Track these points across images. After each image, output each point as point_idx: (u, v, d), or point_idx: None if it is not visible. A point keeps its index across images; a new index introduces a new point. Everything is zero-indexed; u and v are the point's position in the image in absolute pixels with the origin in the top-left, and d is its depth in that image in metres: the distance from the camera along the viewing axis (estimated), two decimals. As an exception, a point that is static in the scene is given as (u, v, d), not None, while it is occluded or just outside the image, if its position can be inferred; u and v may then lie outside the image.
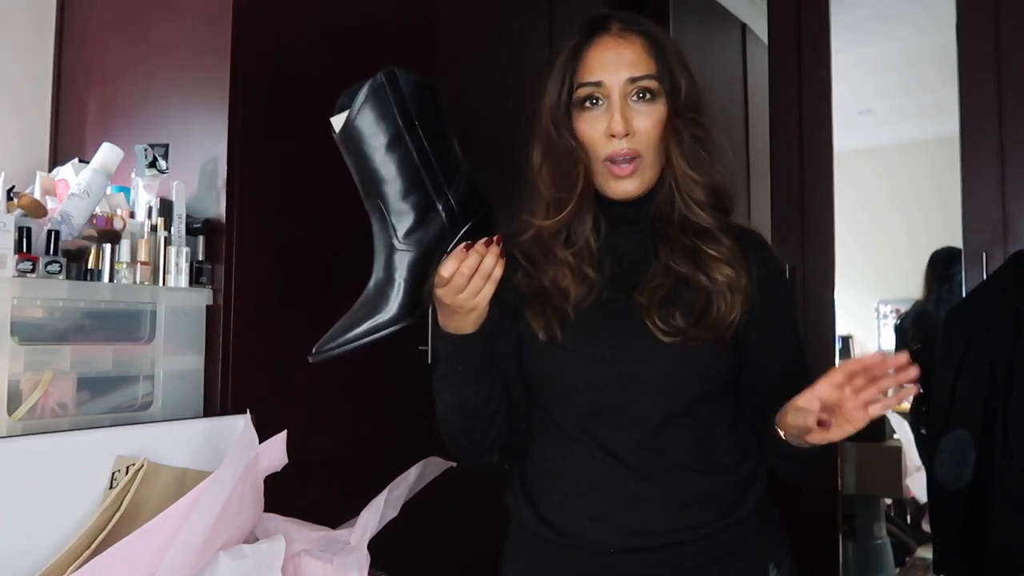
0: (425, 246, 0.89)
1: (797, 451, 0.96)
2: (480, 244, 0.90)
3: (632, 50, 1.00)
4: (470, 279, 0.89)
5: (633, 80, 0.99)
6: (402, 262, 0.89)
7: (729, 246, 1.01)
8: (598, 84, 1.00)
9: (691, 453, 1.01)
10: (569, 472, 1.03)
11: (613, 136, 0.99)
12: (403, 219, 0.89)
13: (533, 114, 1.06)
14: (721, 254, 1.00)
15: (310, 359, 0.90)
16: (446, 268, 0.89)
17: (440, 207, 0.90)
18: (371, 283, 0.91)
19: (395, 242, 0.89)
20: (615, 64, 1.00)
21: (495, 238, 0.91)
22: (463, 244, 0.90)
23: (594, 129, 1.00)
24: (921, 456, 3.28)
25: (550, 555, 1.04)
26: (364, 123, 0.88)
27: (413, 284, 0.89)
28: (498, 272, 0.91)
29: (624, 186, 1.01)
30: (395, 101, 0.89)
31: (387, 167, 0.88)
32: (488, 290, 0.91)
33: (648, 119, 1.00)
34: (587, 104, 1.01)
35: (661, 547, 0.99)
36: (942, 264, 3.27)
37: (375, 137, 0.88)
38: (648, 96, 1.00)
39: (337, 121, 0.90)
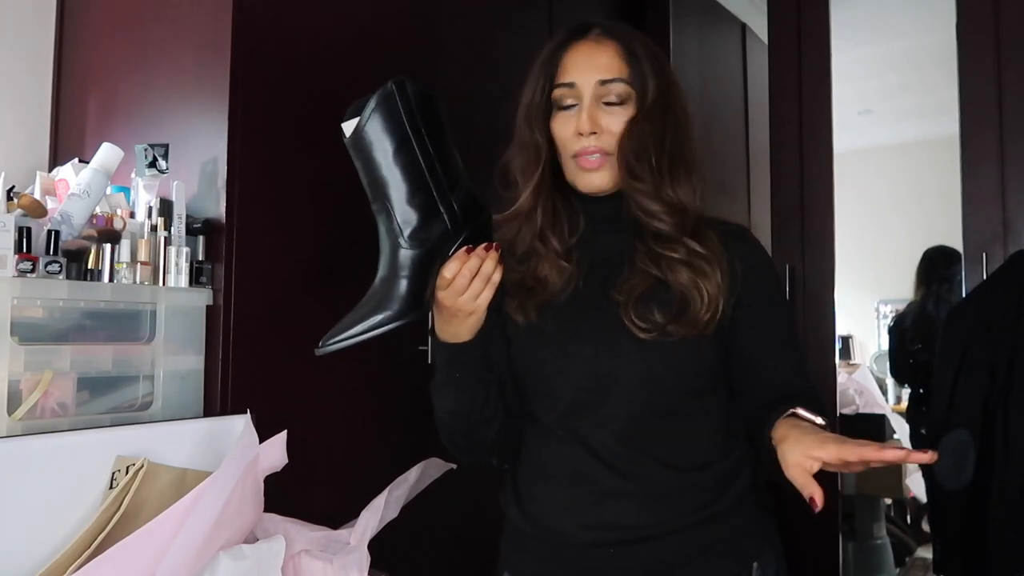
0: (429, 246, 0.92)
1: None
2: (480, 248, 0.93)
3: (605, 54, 1.04)
4: (471, 281, 0.92)
5: (603, 83, 1.03)
6: (406, 259, 0.92)
7: (688, 248, 1.02)
8: (571, 85, 1.04)
9: (671, 450, 1.02)
10: (550, 468, 1.05)
11: (581, 135, 1.02)
12: (408, 220, 0.92)
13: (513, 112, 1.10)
14: (679, 254, 1.02)
15: (316, 352, 0.93)
16: (449, 269, 0.92)
17: (443, 211, 0.93)
18: (377, 279, 0.94)
19: (400, 241, 0.92)
20: (587, 67, 1.04)
21: (495, 244, 0.95)
22: (465, 247, 0.93)
23: (565, 129, 1.04)
24: (920, 456, 3.27)
25: (534, 550, 1.07)
26: (373, 129, 0.91)
27: (417, 280, 0.92)
28: (497, 277, 0.94)
29: (592, 179, 1.04)
30: (404, 109, 0.92)
31: (394, 171, 0.92)
32: (487, 294, 0.94)
33: (617, 121, 1.03)
34: (562, 106, 1.05)
35: (636, 542, 1.01)
36: (942, 264, 3.27)
37: (383, 142, 0.91)
38: (618, 100, 1.03)
39: (348, 127, 0.94)
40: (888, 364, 3.52)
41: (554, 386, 1.04)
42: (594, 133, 1.02)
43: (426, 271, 0.92)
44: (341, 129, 0.94)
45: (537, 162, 1.06)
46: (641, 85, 1.03)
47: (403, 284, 0.91)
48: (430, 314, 0.99)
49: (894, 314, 4.48)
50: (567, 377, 1.03)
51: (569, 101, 1.04)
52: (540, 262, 1.06)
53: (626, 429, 1.01)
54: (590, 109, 1.02)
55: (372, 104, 0.91)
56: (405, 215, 0.92)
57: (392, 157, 0.91)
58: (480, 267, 0.93)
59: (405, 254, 0.92)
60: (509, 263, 1.04)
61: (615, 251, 1.07)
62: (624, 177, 1.03)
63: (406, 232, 0.92)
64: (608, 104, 1.03)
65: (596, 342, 1.02)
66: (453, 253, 0.93)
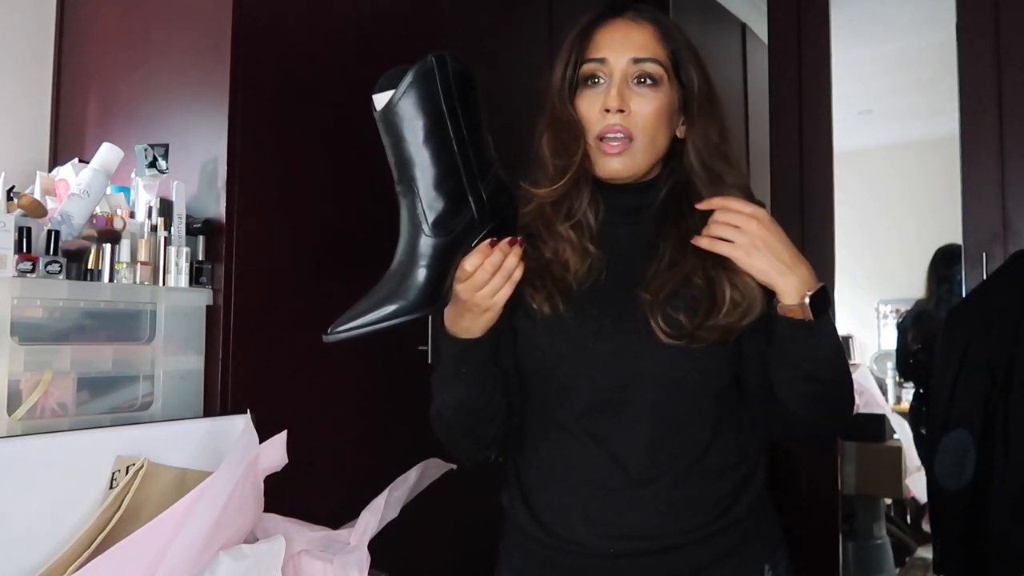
0: (453, 236, 0.88)
1: (782, 326, 0.93)
2: (504, 242, 0.89)
3: (642, 33, 1.01)
4: (492, 276, 0.88)
5: (636, 61, 0.99)
6: (427, 248, 0.87)
7: None
8: (602, 61, 1.00)
9: (690, 455, 1.00)
10: (565, 472, 1.02)
11: (607, 111, 0.99)
12: (434, 206, 0.87)
13: (542, 90, 1.06)
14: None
15: (324, 339, 0.88)
16: (470, 262, 0.88)
17: (472, 199, 0.89)
18: (394, 264, 0.89)
19: (423, 227, 0.87)
20: (621, 44, 1.00)
21: (519, 239, 0.90)
22: (488, 240, 0.89)
23: (591, 106, 1.00)
24: (920, 456, 3.29)
25: (543, 556, 1.03)
26: (407, 105, 0.86)
27: (437, 271, 0.87)
28: (518, 274, 0.90)
29: (612, 164, 1.00)
30: (442, 86, 0.87)
31: (424, 152, 0.87)
32: (506, 291, 0.89)
33: (647, 104, 0.99)
34: (589, 82, 1.01)
35: (654, 552, 0.98)
36: (943, 264, 3.26)
37: (416, 120, 0.86)
38: (650, 81, 1.00)
39: (379, 100, 0.88)
40: (894, 361, 3.53)
41: (573, 383, 1.00)
42: (621, 111, 0.98)
43: (447, 262, 0.88)
44: (372, 101, 0.89)
45: (578, 138, 1.00)
46: (679, 72, 1.01)
47: (421, 273, 0.87)
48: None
49: (895, 313, 4.48)
50: (587, 374, 0.99)
51: (597, 77, 1.00)
52: (564, 247, 1.01)
53: (650, 432, 0.98)
54: (620, 86, 0.98)
55: (409, 78, 0.85)
56: (431, 201, 0.87)
57: (423, 137, 0.86)
58: (503, 262, 0.88)
59: (426, 242, 0.87)
60: (530, 254, 0.99)
61: (633, 244, 1.04)
62: (701, 176, 1.01)
63: (430, 219, 0.86)
64: (639, 83, 0.99)
65: (619, 339, 0.98)
66: (476, 245, 0.88)
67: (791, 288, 0.91)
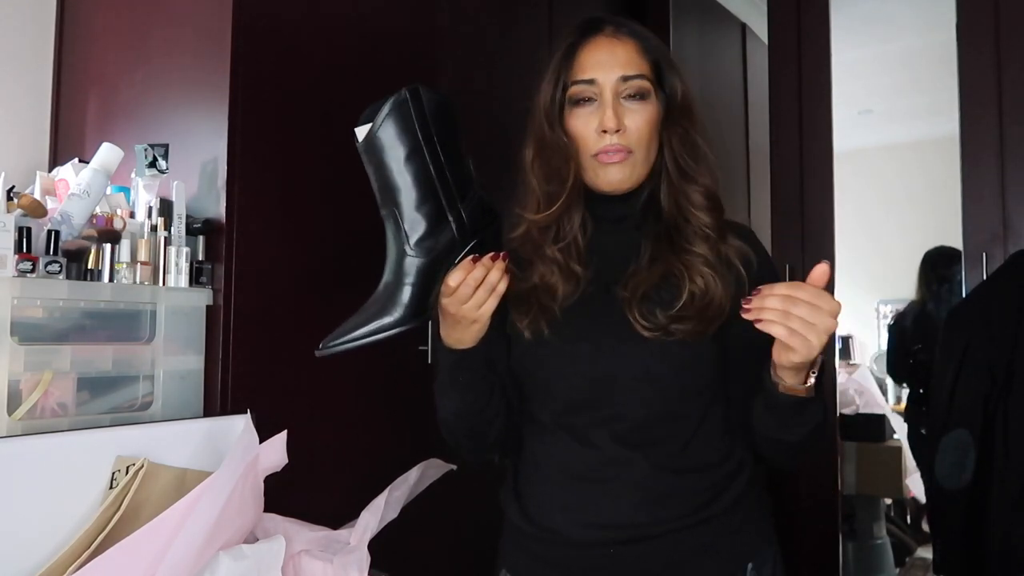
0: (435, 254, 0.93)
1: (782, 401, 0.92)
2: (487, 258, 0.93)
3: (625, 50, 1.03)
4: (475, 290, 0.92)
5: (626, 79, 1.02)
6: (412, 267, 0.93)
7: (712, 251, 1.02)
8: (591, 82, 1.02)
9: (670, 452, 1.01)
10: (548, 467, 1.06)
11: (605, 132, 1.01)
12: (416, 227, 0.93)
13: (527, 112, 1.08)
14: (705, 255, 1.01)
15: (316, 353, 0.93)
16: (453, 278, 0.92)
17: (451, 219, 0.94)
18: (381, 284, 0.95)
19: (407, 248, 0.93)
20: (608, 63, 1.02)
21: (501, 254, 0.94)
22: (471, 256, 0.94)
23: (586, 126, 1.02)
24: (915, 456, 3.29)
25: (531, 549, 1.07)
26: (386, 135, 0.92)
27: (421, 288, 0.93)
28: (502, 287, 0.94)
29: (614, 174, 1.03)
30: (416, 116, 0.93)
31: (404, 177, 0.93)
32: (491, 304, 0.94)
33: (640, 117, 1.02)
34: (580, 102, 1.03)
35: (632, 542, 1.00)
36: (942, 264, 3.27)
37: (395, 149, 0.92)
38: (640, 96, 1.02)
39: (360, 131, 0.95)
40: (886, 362, 3.53)
41: (553, 385, 1.03)
42: (618, 131, 1.01)
43: (431, 279, 0.93)
44: (354, 133, 0.95)
45: (568, 161, 1.03)
46: (663, 83, 1.04)
47: (407, 291, 0.92)
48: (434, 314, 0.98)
49: (894, 313, 4.48)
50: (565, 375, 1.02)
51: (588, 97, 1.03)
52: (551, 270, 1.04)
53: (625, 429, 1.01)
54: (614, 106, 1.01)
55: (385, 110, 0.92)
56: (413, 222, 0.93)
57: (403, 163, 0.92)
58: (485, 277, 0.92)
59: (411, 261, 0.93)
60: (519, 275, 1.03)
61: (621, 249, 1.06)
62: (675, 178, 1.04)
63: (412, 239, 0.93)
64: (628, 99, 1.02)
65: (597, 340, 1.02)
66: (458, 262, 0.93)
67: (803, 370, 0.89)
